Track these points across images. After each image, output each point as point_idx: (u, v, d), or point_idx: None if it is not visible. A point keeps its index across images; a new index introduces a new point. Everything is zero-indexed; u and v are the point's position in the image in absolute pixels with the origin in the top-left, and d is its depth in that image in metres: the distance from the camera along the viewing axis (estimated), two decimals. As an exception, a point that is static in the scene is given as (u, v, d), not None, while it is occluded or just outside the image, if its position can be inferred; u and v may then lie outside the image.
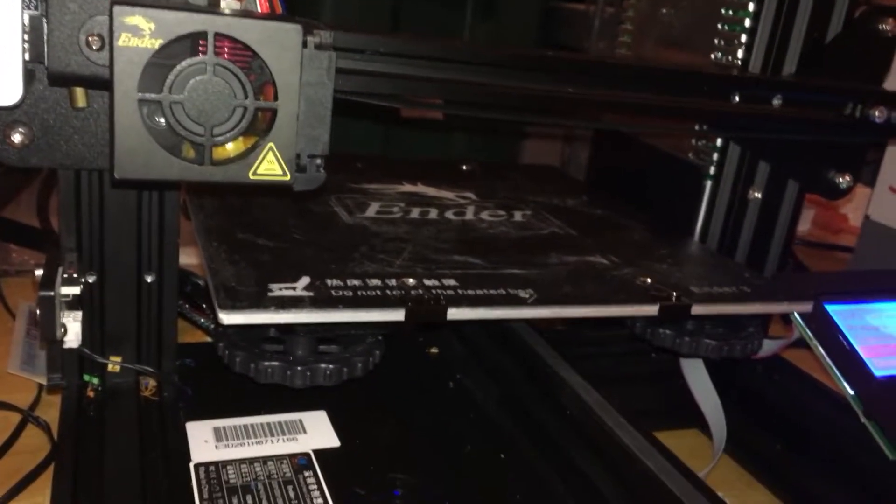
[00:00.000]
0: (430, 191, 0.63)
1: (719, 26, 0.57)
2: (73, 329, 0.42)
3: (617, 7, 1.07)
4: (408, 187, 0.63)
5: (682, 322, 0.50)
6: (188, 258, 0.58)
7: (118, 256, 0.44)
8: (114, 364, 0.45)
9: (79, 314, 0.42)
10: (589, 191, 0.70)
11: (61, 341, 0.42)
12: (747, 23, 0.55)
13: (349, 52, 0.40)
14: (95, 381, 0.46)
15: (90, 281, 0.44)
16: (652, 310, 0.45)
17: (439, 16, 1.02)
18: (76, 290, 0.41)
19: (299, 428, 0.44)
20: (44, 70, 0.36)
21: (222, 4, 0.34)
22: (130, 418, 0.44)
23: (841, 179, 0.54)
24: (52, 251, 0.44)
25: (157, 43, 0.32)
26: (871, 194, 0.80)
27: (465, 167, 0.72)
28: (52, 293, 0.40)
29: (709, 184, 0.59)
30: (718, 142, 0.58)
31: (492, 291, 0.44)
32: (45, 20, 0.35)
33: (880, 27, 0.54)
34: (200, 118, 0.33)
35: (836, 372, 0.49)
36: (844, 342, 0.51)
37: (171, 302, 0.46)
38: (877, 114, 0.51)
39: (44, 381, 0.49)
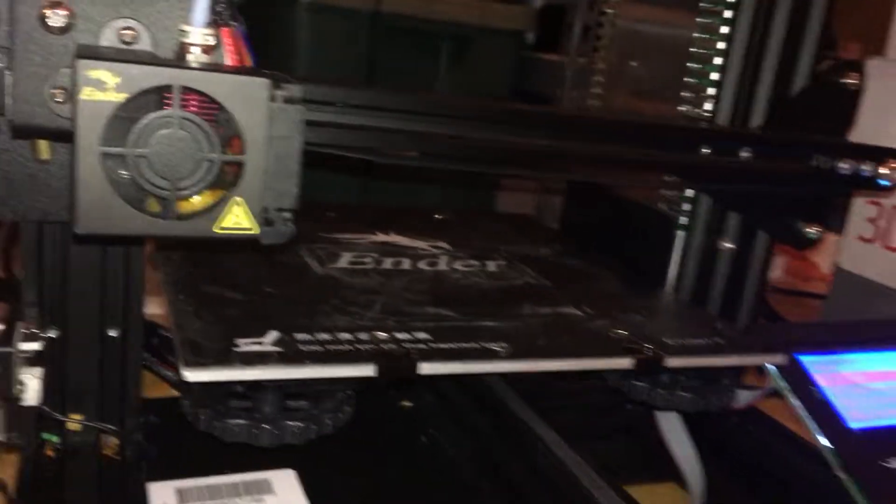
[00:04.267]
0: (403, 240, 0.63)
1: (687, 79, 0.58)
2: (31, 386, 0.40)
3: (589, 58, 1.10)
4: (381, 237, 0.63)
5: (656, 374, 0.50)
6: (155, 308, 0.57)
7: (81, 311, 0.43)
8: (74, 422, 0.44)
9: (38, 371, 0.40)
10: (562, 240, 0.70)
11: (19, 399, 0.41)
12: (714, 76, 0.55)
13: (320, 105, 0.40)
14: (55, 439, 0.44)
15: (52, 336, 0.43)
16: (626, 363, 0.45)
17: (414, 63, 1.03)
18: (36, 346, 0.40)
19: (267, 488, 0.43)
20: (6, 122, 0.36)
21: (189, 57, 0.34)
22: (90, 479, 0.43)
23: (809, 230, 0.55)
24: (13, 304, 0.43)
25: (122, 97, 0.31)
26: (840, 242, 0.80)
27: (438, 216, 0.72)
28: (9, 350, 0.39)
29: (680, 234, 0.59)
30: (689, 192, 0.58)
31: (464, 345, 0.43)
32: (7, 73, 0.35)
33: (844, 80, 0.55)
34: (165, 172, 0.32)
35: (812, 424, 0.49)
36: (819, 394, 0.50)
37: (135, 357, 0.45)
38: (844, 166, 0.52)
39: (2, 438, 0.47)
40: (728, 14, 0.54)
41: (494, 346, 0.44)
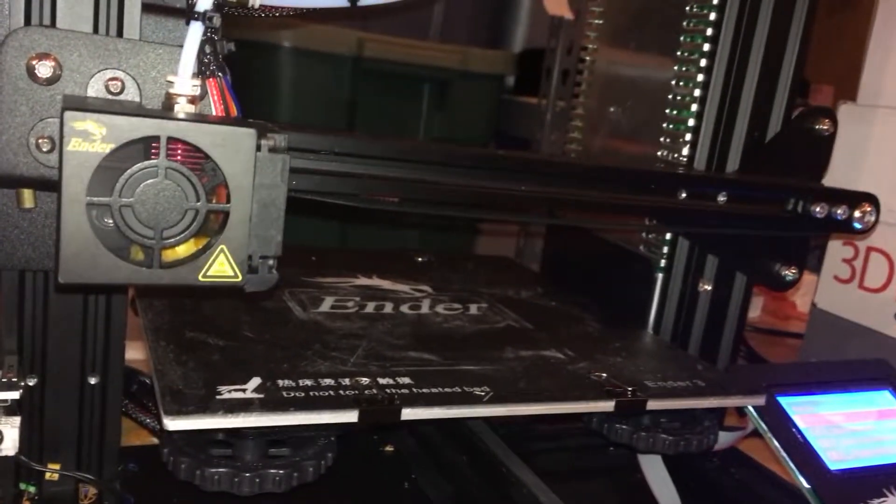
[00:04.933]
0: (386, 283, 0.63)
1: (665, 125, 0.59)
2: (9, 436, 0.40)
3: (568, 101, 1.11)
4: (363, 280, 0.63)
5: (638, 416, 0.50)
6: (135, 353, 0.57)
7: (61, 358, 0.43)
8: (52, 472, 0.43)
9: (17, 420, 0.40)
10: (543, 282, 0.70)
11: (-4, 449, 0.40)
12: (691, 122, 0.57)
13: (304, 152, 0.41)
14: (32, 489, 0.43)
15: (30, 384, 0.42)
16: (608, 406, 0.45)
17: (395, 107, 1.04)
18: (15, 395, 0.40)
19: (247, 536, 0.42)
20: (-10, 171, 0.36)
21: (176, 108, 0.35)
22: (68, 530, 0.42)
23: (786, 272, 0.56)
24: (-9, 353, 0.42)
25: (108, 147, 0.31)
26: (817, 282, 0.82)
27: (419, 259, 0.73)
28: (-12, 399, 0.38)
29: (660, 276, 0.60)
30: (668, 235, 0.59)
31: (447, 389, 0.43)
32: (-7, 123, 0.35)
33: (816, 127, 0.56)
34: (150, 221, 0.33)
35: (792, 466, 0.49)
36: (798, 435, 0.51)
37: (114, 405, 0.44)
38: (818, 209, 0.53)
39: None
40: (704, 62, 0.56)
41: (476, 391, 0.44)
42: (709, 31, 0.55)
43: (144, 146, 0.33)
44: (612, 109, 0.66)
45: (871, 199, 0.54)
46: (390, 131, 1.04)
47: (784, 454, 0.50)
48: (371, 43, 0.99)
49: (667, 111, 0.59)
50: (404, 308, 0.57)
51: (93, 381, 0.44)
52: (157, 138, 0.32)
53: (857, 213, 0.54)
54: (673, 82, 0.58)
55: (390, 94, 1.04)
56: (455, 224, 1.07)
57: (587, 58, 0.70)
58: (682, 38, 0.58)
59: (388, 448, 0.55)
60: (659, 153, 0.59)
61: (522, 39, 1.44)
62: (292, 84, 0.98)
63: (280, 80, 0.98)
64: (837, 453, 0.51)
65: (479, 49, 1.11)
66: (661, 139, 0.59)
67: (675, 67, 0.58)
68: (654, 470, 0.54)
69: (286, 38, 0.96)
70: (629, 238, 0.63)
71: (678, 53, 0.58)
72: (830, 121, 0.56)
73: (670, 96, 0.59)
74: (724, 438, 0.55)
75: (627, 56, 0.65)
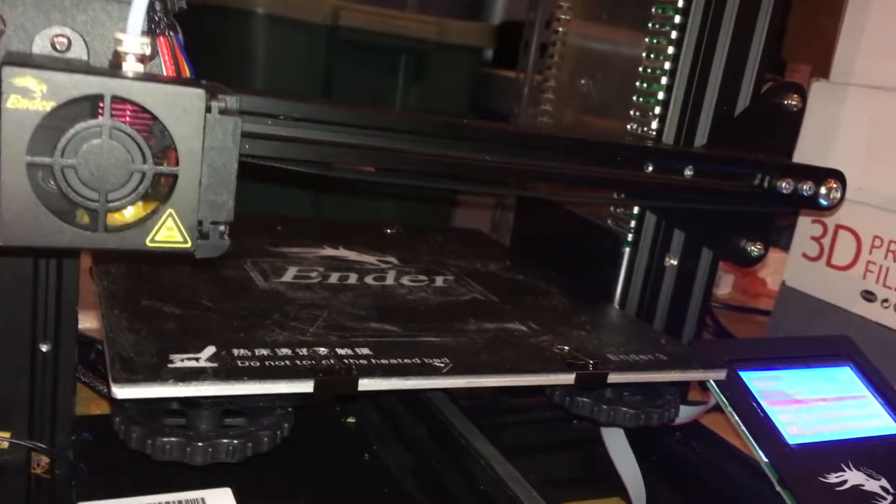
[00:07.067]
0: (352, 255, 0.62)
1: (634, 98, 0.58)
2: (-44, 402, 0.39)
3: (544, 75, 1.11)
4: (329, 251, 0.62)
5: (600, 389, 0.50)
6: (95, 322, 0.56)
7: (11, 324, 0.42)
8: (2, 440, 0.42)
9: (-36, 386, 0.39)
10: (511, 255, 0.70)
11: (-57, 416, 0.39)
12: (661, 95, 0.56)
13: (261, 117, 0.40)
14: (-19, 457, 0.43)
15: (-21, 350, 0.41)
16: (568, 378, 0.45)
17: (371, 79, 1.03)
18: (-39, 360, 0.39)
19: (202, 507, 0.42)
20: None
21: (124, 67, 0.34)
22: (18, 499, 0.41)
23: (752, 248, 0.56)
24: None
25: (50, 105, 0.30)
26: (786, 259, 0.82)
27: (388, 230, 0.72)
28: (-68, 364, 0.37)
29: (627, 250, 0.59)
30: (636, 209, 0.59)
31: (406, 361, 0.43)
32: (-67, 79, 0.34)
33: (785, 102, 0.56)
34: (94, 183, 0.32)
35: (751, 440, 0.50)
36: (758, 409, 0.51)
37: (67, 372, 0.44)
38: (784, 185, 0.53)
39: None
40: (674, 35, 0.55)
41: (436, 362, 0.43)
42: (680, 3, 0.55)
43: (91, 106, 0.32)
44: (583, 82, 0.65)
45: (838, 176, 0.54)
46: (364, 102, 1.03)
47: (744, 428, 0.50)
48: (347, 11, 0.97)
49: (637, 84, 0.58)
50: (369, 279, 0.57)
51: (44, 348, 0.43)
52: (102, 97, 0.31)
53: (822, 190, 0.54)
54: (643, 55, 0.58)
55: (366, 65, 1.02)
56: (431, 196, 1.07)
57: (560, 29, 0.69)
58: (653, 10, 0.57)
59: (350, 420, 0.54)
60: (628, 127, 0.59)
61: (502, 11, 1.43)
62: (266, 53, 0.96)
63: (254, 48, 0.96)
64: (797, 428, 0.51)
65: (457, 20, 1.10)
66: (631, 113, 0.59)
67: (646, 40, 0.57)
68: (616, 443, 0.54)
69: (259, 4, 0.94)
70: (597, 212, 0.62)
71: (649, 25, 0.57)
72: (799, 96, 0.56)
73: (640, 69, 0.58)
74: (686, 412, 0.55)
75: (599, 28, 0.64)
